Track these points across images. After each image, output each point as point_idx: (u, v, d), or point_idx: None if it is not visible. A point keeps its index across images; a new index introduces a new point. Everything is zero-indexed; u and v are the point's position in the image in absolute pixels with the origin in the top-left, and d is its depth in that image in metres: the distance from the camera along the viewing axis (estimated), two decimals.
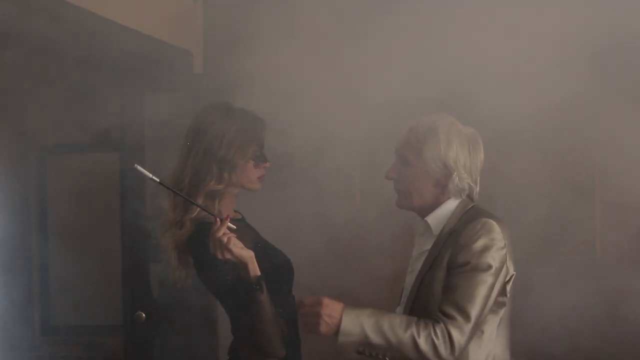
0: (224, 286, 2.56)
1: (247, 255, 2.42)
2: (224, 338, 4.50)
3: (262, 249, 2.63)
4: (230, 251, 2.39)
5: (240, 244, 2.41)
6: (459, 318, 2.39)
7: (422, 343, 2.37)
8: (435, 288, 2.49)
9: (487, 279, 2.43)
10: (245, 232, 2.67)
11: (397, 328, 2.39)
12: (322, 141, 3.86)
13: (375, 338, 2.38)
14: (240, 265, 2.43)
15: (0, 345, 5.00)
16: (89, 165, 5.02)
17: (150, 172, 2.38)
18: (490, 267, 2.44)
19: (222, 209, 2.66)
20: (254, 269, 2.43)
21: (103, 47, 3.74)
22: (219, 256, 2.41)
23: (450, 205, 2.59)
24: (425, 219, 2.61)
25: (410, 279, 2.64)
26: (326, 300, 2.42)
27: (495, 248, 2.46)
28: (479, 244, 2.45)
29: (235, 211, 2.77)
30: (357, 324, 2.40)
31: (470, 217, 2.53)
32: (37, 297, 5.26)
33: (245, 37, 4.03)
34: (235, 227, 2.44)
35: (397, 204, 2.68)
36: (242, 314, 2.49)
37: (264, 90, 3.81)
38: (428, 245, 2.60)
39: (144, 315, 4.57)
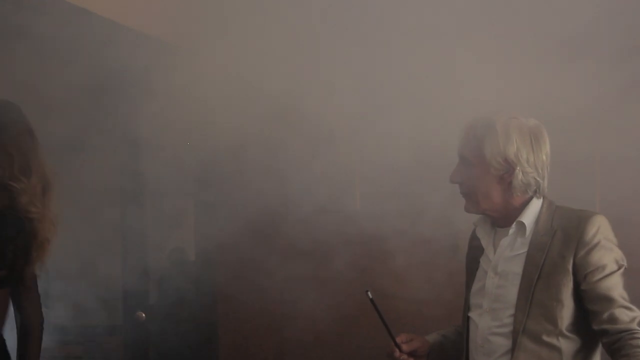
0: None
1: None
2: (224, 338, 4.50)
3: None
4: None
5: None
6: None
7: None
8: (562, 294, 2.39)
9: (622, 277, 2.41)
10: None
11: None
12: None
13: None
14: None
15: None
16: (89, 164, 5.01)
17: None
18: (622, 264, 2.41)
19: None
20: None
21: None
22: None
23: (535, 206, 2.48)
24: (520, 219, 2.47)
25: (494, 283, 2.51)
26: None
27: (615, 243, 2.43)
28: (607, 243, 2.40)
29: None
30: None
31: (568, 215, 2.46)
32: None
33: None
34: None
35: (465, 209, 2.54)
36: None
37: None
38: (520, 247, 2.48)
39: (144, 315, 4.57)
